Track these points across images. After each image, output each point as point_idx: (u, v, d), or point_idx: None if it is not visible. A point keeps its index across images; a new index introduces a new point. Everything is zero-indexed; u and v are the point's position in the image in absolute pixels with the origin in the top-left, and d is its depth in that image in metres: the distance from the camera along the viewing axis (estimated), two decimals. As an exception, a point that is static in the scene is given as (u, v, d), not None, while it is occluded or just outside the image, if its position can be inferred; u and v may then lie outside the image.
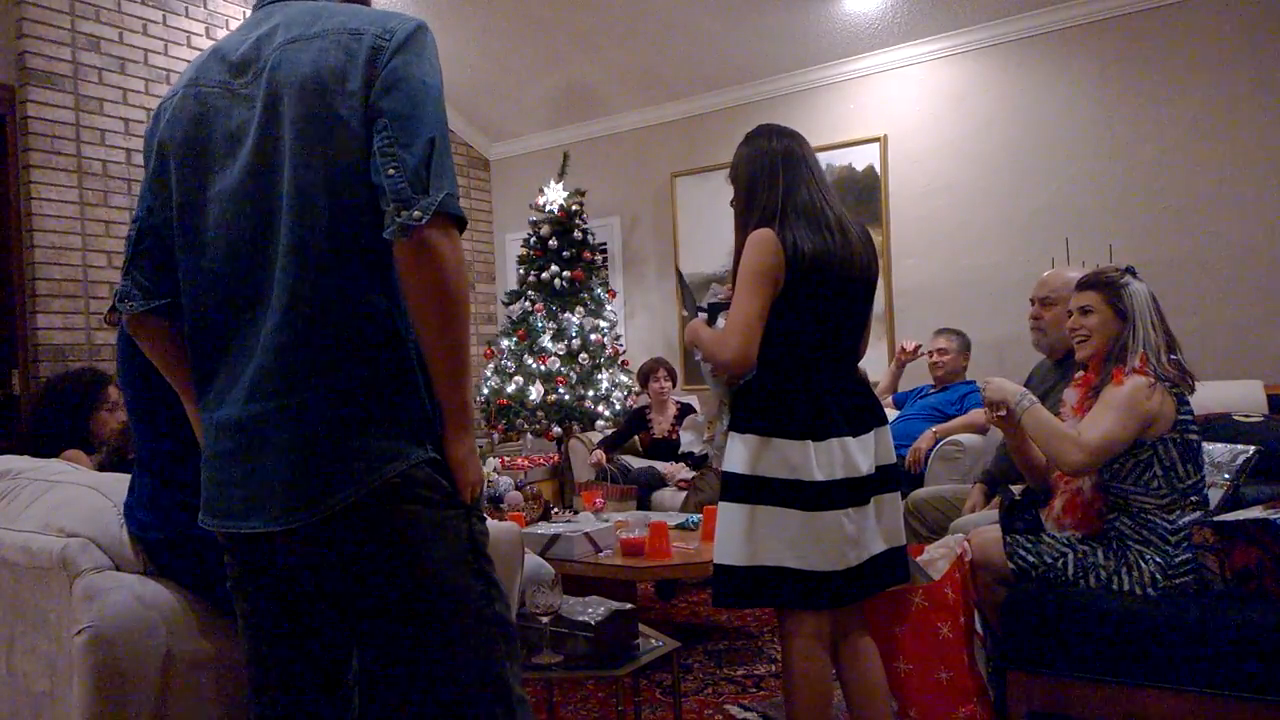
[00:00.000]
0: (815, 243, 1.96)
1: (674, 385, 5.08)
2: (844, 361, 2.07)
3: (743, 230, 2.05)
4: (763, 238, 1.96)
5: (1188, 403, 2.21)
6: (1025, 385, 3.19)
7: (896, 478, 2.12)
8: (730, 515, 1.98)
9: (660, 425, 5.02)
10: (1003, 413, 2.32)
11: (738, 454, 1.98)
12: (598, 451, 4.85)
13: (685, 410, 5.09)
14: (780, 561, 1.93)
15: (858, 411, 2.02)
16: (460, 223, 1.16)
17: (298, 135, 1.17)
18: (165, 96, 1.34)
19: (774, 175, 2.04)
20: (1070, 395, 2.39)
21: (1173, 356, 2.22)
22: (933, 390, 4.17)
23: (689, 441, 4.93)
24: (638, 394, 5.35)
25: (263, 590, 1.28)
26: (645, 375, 5.06)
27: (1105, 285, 2.29)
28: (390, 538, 1.17)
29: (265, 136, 1.20)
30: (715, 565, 2.02)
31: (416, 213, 1.11)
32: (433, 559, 1.19)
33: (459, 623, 1.20)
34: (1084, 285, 2.35)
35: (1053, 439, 2.20)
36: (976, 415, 3.72)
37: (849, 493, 1.96)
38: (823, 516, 1.92)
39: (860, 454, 1.99)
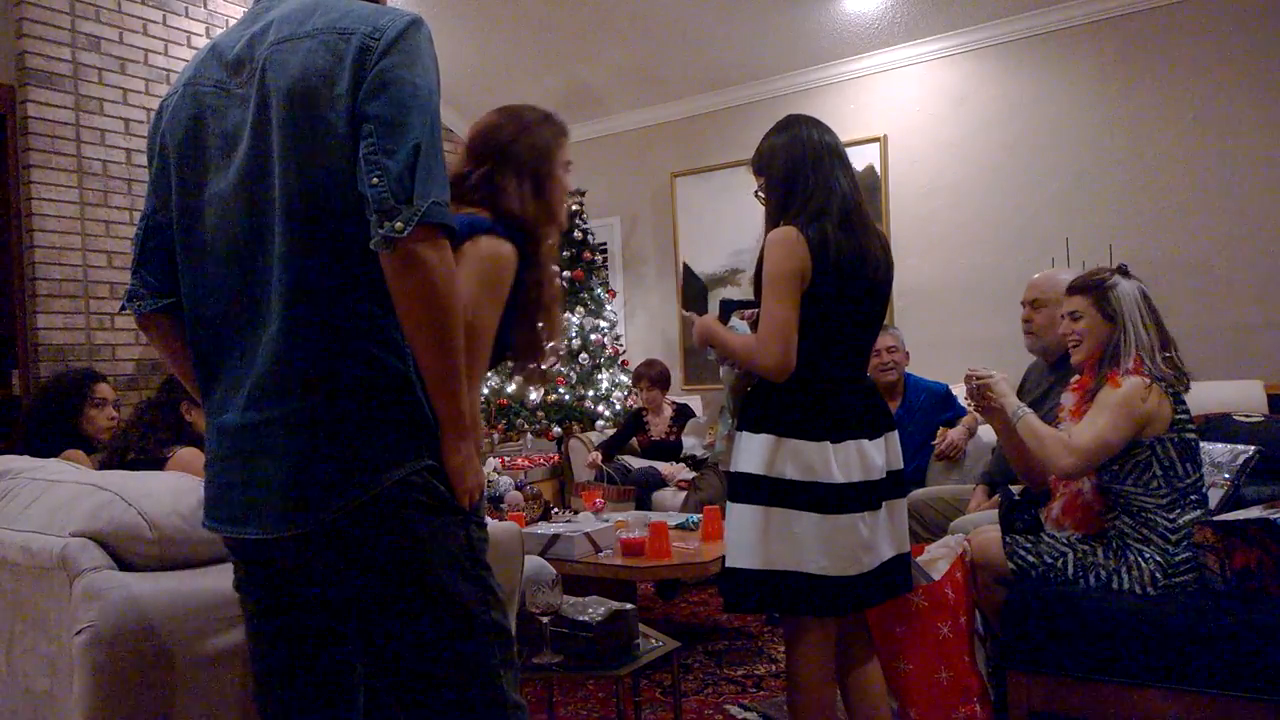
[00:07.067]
0: (850, 242, 1.93)
1: (664, 393, 5.03)
2: (859, 363, 2.05)
3: (776, 223, 1.98)
4: (785, 236, 1.91)
5: (1184, 402, 2.21)
6: (1020, 387, 3.21)
7: (904, 483, 2.09)
8: (744, 517, 1.93)
9: (657, 427, 5.02)
10: (989, 402, 2.36)
11: (753, 454, 1.93)
12: (594, 453, 4.86)
13: (682, 411, 5.09)
14: (794, 566, 1.89)
15: (871, 414, 2.00)
16: (449, 231, 1.13)
17: (286, 140, 1.14)
18: (166, 95, 1.32)
19: (819, 167, 1.97)
20: (1067, 399, 2.39)
21: (1167, 355, 2.21)
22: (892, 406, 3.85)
23: (690, 445, 4.93)
24: (637, 395, 5.36)
25: (265, 592, 1.29)
26: (636, 381, 5.07)
27: (1091, 289, 2.29)
28: (387, 544, 1.16)
29: (258, 140, 1.17)
30: (726, 568, 1.97)
31: (399, 224, 1.07)
32: (430, 565, 1.18)
33: (454, 628, 1.20)
34: (1072, 290, 2.35)
35: (1044, 445, 2.20)
36: (969, 421, 3.71)
37: (864, 496, 1.93)
38: (839, 519, 1.89)
39: (876, 456, 1.96)
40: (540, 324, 1.55)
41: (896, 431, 2.08)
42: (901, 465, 2.08)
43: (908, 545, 2.09)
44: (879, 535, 1.96)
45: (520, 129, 1.59)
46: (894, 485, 2.03)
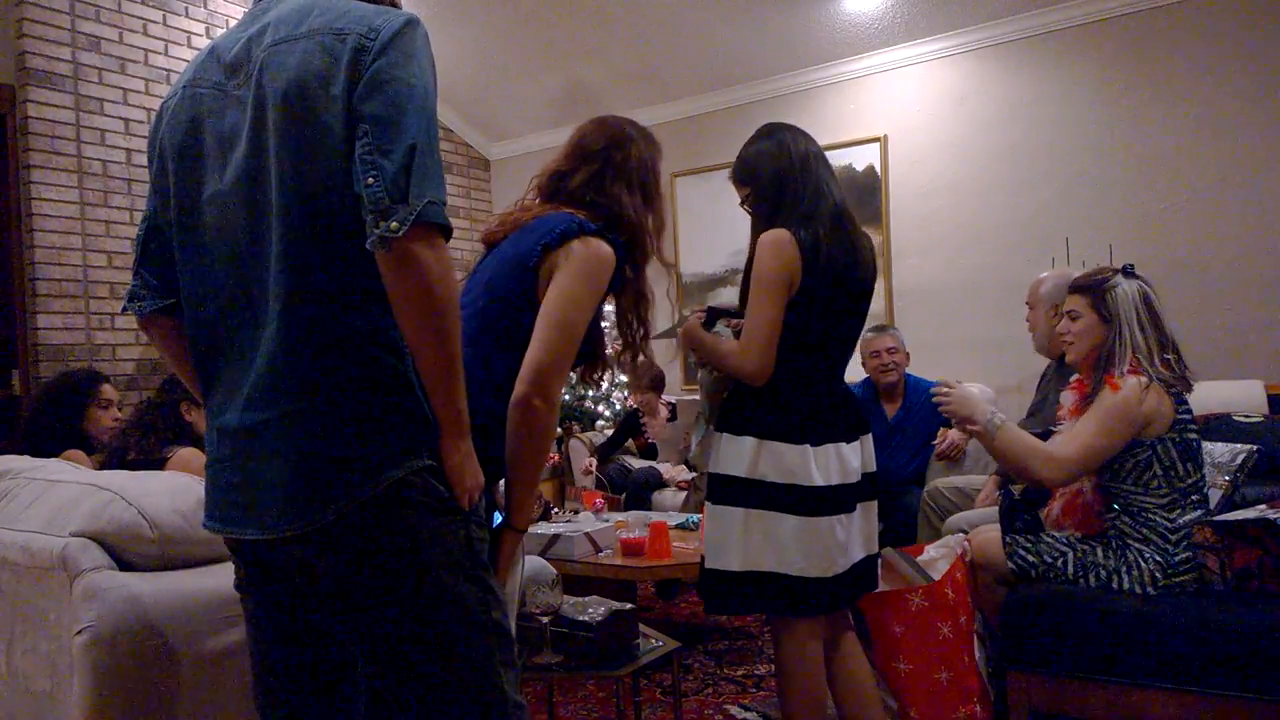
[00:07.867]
0: (841, 245, 1.94)
1: (659, 394, 5.04)
2: (839, 367, 2.06)
3: (766, 229, 1.97)
4: (776, 239, 1.91)
5: (1186, 402, 2.21)
6: (1038, 386, 3.23)
7: (876, 485, 2.11)
8: (725, 519, 1.95)
9: (654, 428, 5.03)
10: (973, 427, 2.21)
11: (734, 456, 1.95)
12: (588, 460, 4.87)
13: (678, 412, 5.09)
14: (773, 567, 1.91)
15: (849, 417, 2.02)
16: (445, 231, 1.13)
17: (283, 141, 1.14)
18: (166, 96, 1.33)
19: (807, 171, 1.98)
20: (1066, 397, 2.39)
21: (1166, 357, 2.20)
22: (887, 406, 3.92)
23: (665, 451, 4.92)
24: (635, 395, 5.36)
25: (265, 592, 1.29)
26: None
27: (1090, 289, 2.28)
28: (386, 544, 1.16)
29: (255, 141, 1.18)
30: (706, 570, 1.99)
31: (394, 223, 1.07)
32: (429, 565, 1.18)
33: (455, 629, 1.20)
34: (1072, 289, 2.35)
35: (1023, 457, 2.16)
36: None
37: (841, 499, 1.95)
38: (817, 522, 1.91)
39: (853, 459, 1.98)
40: (638, 327, 1.67)
41: (870, 434, 2.10)
42: (874, 468, 2.10)
43: (876, 546, 2.11)
44: (853, 537, 1.99)
45: (626, 140, 1.67)
46: (867, 487, 2.05)
